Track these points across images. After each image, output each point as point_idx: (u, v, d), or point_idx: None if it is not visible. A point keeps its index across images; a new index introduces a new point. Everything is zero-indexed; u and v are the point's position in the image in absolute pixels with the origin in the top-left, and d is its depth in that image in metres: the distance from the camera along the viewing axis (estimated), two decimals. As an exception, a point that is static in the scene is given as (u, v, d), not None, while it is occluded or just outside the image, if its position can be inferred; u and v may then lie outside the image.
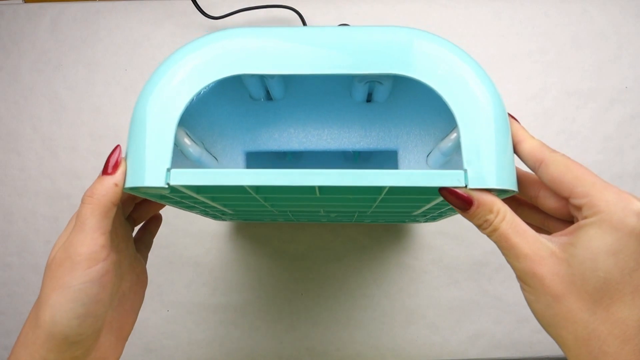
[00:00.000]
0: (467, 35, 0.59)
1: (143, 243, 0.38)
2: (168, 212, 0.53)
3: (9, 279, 0.53)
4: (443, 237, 0.52)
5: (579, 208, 0.24)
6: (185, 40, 0.59)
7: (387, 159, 0.40)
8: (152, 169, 0.26)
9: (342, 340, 0.51)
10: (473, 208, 0.24)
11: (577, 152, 0.55)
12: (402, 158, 0.36)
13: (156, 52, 0.59)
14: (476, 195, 0.24)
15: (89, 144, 0.56)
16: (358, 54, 0.26)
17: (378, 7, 0.57)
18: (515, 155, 0.27)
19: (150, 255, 0.53)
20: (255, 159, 0.37)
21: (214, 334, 0.51)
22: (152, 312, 0.52)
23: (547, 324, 0.24)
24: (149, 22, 0.60)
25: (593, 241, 0.22)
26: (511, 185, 0.25)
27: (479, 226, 0.25)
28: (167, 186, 0.26)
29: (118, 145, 0.27)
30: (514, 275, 0.52)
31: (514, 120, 0.28)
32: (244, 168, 0.37)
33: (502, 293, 0.51)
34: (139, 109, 0.27)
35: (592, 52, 0.58)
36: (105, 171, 0.26)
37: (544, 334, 0.50)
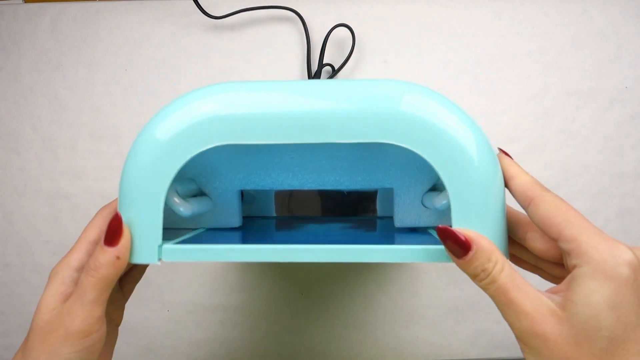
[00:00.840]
0: (467, 35, 0.59)
1: (133, 276, 0.36)
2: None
3: (9, 279, 0.53)
4: (443, 237, 0.52)
5: (568, 253, 0.22)
6: (186, 40, 0.59)
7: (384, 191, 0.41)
8: (142, 246, 0.26)
9: (342, 340, 0.51)
10: (471, 254, 0.22)
11: (577, 152, 0.55)
12: (397, 195, 0.36)
13: (156, 52, 0.59)
14: (475, 238, 0.23)
15: (89, 144, 0.56)
16: (346, 123, 0.26)
17: (378, 7, 0.57)
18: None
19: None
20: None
21: (214, 334, 0.51)
22: (152, 312, 0.52)
23: None
24: (149, 22, 0.60)
25: (592, 295, 0.20)
26: (503, 250, 0.25)
27: (475, 276, 0.23)
28: (159, 262, 0.26)
29: (117, 214, 0.26)
30: (514, 275, 0.52)
31: (506, 156, 0.28)
32: (239, 206, 0.37)
33: (502, 293, 0.51)
34: (124, 183, 0.26)
35: (592, 52, 0.58)
36: (106, 241, 0.25)
37: (544, 334, 0.50)
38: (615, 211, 0.53)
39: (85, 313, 0.25)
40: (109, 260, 0.25)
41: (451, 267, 0.52)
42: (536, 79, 0.57)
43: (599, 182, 0.54)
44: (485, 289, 0.23)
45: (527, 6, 0.60)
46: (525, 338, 0.22)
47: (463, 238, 0.22)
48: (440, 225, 0.24)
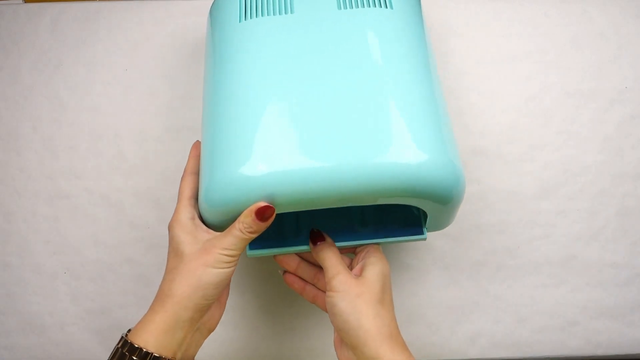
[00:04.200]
0: (467, 36, 0.59)
1: None
2: (168, 212, 0.53)
3: (9, 279, 0.53)
4: (443, 237, 0.52)
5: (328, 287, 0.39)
6: (185, 40, 0.59)
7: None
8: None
9: (342, 340, 0.51)
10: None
11: (577, 152, 0.55)
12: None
13: (156, 52, 0.59)
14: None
15: (89, 143, 0.56)
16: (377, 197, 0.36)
17: (378, 7, 0.57)
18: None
19: (151, 255, 0.54)
20: None
21: (214, 334, 0.51)
22: (152, 312, 0.52)
23: (351, 312, 0.37)
24: (149, 22, 0.60)
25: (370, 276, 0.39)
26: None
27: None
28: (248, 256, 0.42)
29: (271, 206, 0.36)
30: (514, 275, 0.53)
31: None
32: None
33: (502, 293, 0.51)
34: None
35: (592, 52, 0.58)
36: (259, 218, 0.35)
37: (544, 333, 0.50)
38: (615, 211, 0.53)
39: (237, 248, 0.37)
40: (257, 229, 0.36)
41: (451, 267, 0.52)
42: (536, 79, 0.57)
43: (599, 182, 0.54)
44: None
45: (527, 6, 0.60)
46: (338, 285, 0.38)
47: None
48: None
